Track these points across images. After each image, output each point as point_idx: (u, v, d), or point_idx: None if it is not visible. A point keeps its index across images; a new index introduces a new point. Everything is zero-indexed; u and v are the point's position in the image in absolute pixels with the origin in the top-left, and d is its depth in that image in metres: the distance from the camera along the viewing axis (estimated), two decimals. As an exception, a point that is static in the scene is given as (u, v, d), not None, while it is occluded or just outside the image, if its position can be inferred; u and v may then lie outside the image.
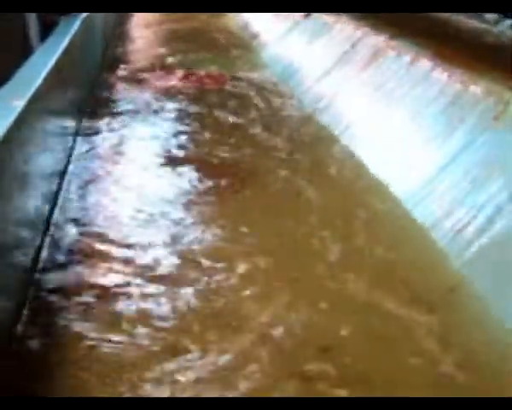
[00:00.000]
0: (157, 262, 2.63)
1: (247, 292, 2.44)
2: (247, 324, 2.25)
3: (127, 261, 2.62)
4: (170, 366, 2.01)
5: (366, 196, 3.44)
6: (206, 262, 2.65)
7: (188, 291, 2.42)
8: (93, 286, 2.43)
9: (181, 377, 1.96)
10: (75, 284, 2.43)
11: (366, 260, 2.74)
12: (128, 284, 2.45)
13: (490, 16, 3.94)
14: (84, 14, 4.91)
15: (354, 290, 2.49)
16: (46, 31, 4.04)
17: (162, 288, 2.45)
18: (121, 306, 2.32)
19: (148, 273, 2.54)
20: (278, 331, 2.21)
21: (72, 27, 4.28)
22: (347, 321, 2.27)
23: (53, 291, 2.37)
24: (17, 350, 2.03)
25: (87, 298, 2.35)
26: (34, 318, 2.21)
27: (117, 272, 2.54)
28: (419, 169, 3.48)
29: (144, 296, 2.38)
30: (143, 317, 2.26)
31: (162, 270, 2.58)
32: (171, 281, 2.50)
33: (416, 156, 3.62)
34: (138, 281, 2.48)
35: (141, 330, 2.19)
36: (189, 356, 2.06)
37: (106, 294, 2.39)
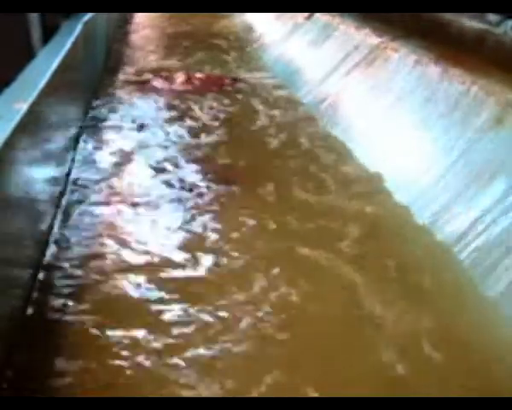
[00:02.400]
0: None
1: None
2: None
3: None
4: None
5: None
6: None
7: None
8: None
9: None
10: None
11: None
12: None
13: (492, 17, 3.93)
14: (87, 17, 4.91)
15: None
16: (48, 33, 4.05)
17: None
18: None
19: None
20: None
21: (74, 30, 4.29)
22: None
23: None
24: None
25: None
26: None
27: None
28: (421, 171, 3.48)
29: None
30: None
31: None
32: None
33: (418, 158, 3.61)
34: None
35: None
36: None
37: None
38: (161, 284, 2.52)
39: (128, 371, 2.02)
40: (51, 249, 2.74)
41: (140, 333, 2.20)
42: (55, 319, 2.28)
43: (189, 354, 2.11)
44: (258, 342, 2.20)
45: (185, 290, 2.48)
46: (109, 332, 2.20)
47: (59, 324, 2.25)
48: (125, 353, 2.10)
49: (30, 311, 2.31)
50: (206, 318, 2.31)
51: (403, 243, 2.98)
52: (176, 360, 2.07)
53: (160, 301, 2.41)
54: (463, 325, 2.35)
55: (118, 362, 2.06)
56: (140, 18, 10.09)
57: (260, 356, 2.13)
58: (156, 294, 2.45)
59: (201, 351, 2.13)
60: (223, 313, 2.33)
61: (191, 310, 2.34)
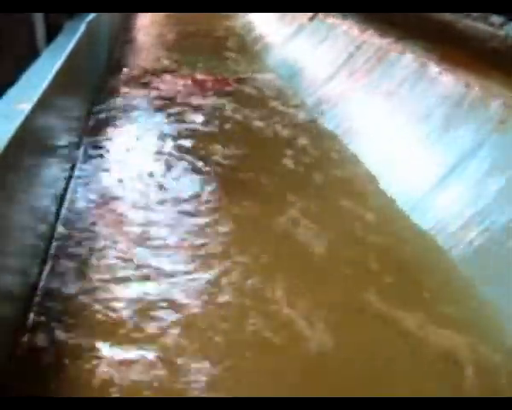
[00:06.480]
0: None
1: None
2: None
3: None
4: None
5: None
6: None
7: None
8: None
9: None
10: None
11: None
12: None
13: (496, 19, 3.93)
14: (90, 17, 4.92)
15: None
16: (52, 33, 4.05)
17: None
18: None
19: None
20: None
21: (77, 30, 4.30)
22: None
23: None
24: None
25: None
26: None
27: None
28: (423, 172, 3.48)
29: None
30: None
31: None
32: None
33: (420, 159, 3.61)
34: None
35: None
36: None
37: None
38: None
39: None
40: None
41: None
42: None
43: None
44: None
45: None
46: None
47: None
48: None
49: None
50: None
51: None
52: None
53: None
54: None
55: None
56: (143, 18, 10.09)
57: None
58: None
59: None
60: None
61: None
